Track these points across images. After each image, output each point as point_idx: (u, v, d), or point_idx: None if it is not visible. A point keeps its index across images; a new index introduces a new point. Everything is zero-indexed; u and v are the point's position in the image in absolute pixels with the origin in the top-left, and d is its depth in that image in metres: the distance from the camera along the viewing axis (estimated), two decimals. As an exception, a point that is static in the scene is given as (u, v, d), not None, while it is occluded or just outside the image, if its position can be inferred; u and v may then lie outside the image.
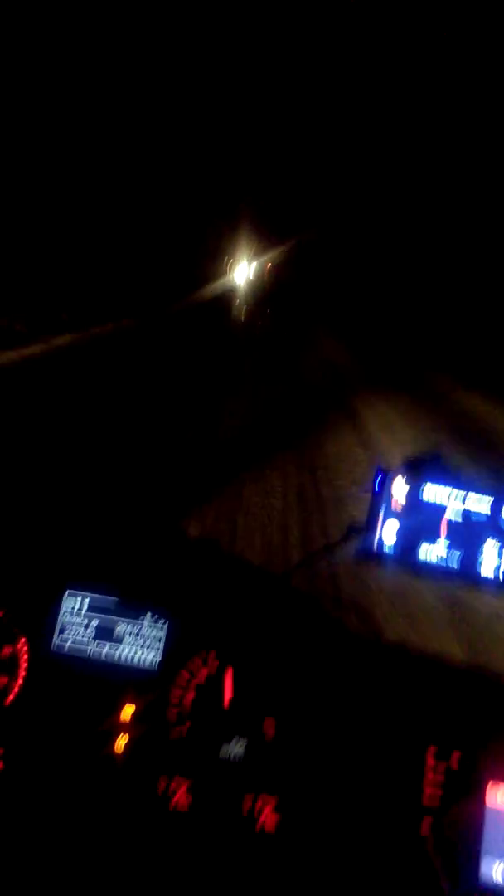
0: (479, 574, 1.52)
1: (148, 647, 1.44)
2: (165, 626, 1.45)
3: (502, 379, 13.48)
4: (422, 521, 1.54)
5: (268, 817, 1.32)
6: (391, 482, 1.55)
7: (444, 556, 1.52)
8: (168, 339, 14.41)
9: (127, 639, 1.45)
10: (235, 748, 1.37)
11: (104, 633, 1.45)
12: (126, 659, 1.44)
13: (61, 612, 1.46)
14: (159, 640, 1.44)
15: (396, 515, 1.54)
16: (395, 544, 1.54)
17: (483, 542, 1.52)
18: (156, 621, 1.45)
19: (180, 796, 1.33)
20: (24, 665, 1.42)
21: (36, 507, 1.62)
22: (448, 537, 1.53)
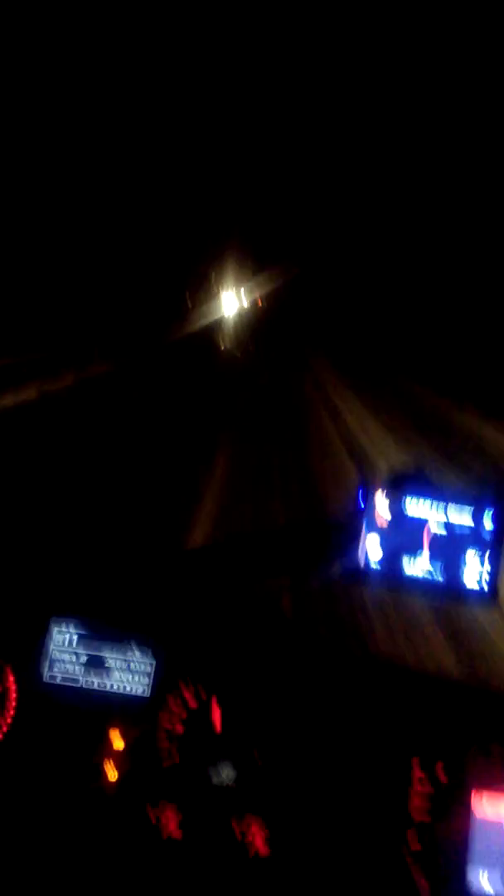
0: (462, 585, 1.53)
1: (137, 678, 1.44)
2: (153, 656, 1.44)
3: (486, 391, 13.65)
4: (405, 534, 1.55)
5: (259, 840, 1.31)
6: (374, 497, 1.57)
7: (428, 568, 1.54)
8: (154, 371, 14.47)
9: (116, 669, 1.44)
10: (226, 773, 1.37)
11: (93, 665, 1.45)
12: (115, 689, 1.43)
13: (50, 644, 1.45)
14: (148, 671, 1.44)
15: (380, 530, 1.56)
16: (380, 559, 1.55)
17: (465, 552, 1.53)
18: (144, 652, 1.45)
19: (173, 824, 1.32)
20: (13, 700, 1.41)
21: (22, 541, 1.62)
22: (431, 549, 1.54)
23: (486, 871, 1.27)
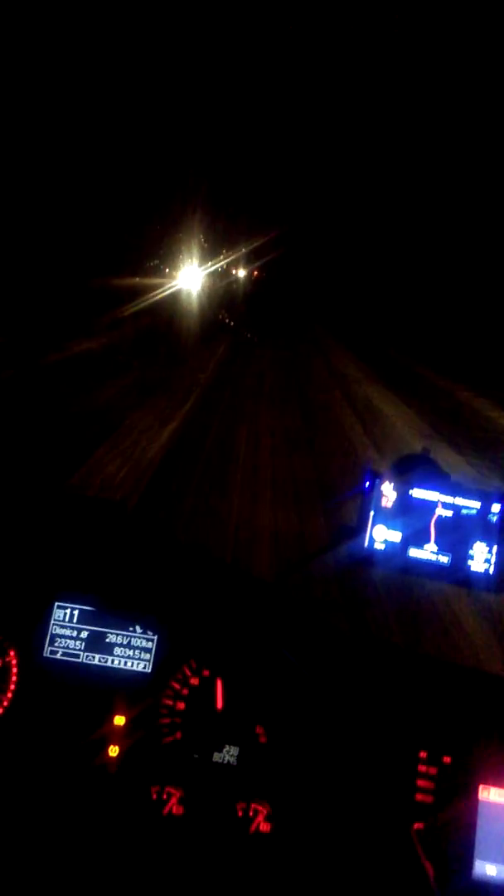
0: (469, 573, 1.52)
1: (138, 654, 1.43)
2: (155, 636, 1.44)
3: (496, 377, 13.57)
4: (412, 520, 1.54)
5: (261, 818, 1.31)
6: (381, 483, 1.55)
7: (435, 555, 1.53)
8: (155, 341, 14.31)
9: (117, 646, 1.44)
10: (228, 754, 1.37)
11: (95, 643, 1.44)
12: (116, 665, 1.43)
13: (51, 622, 1.44)
14: (149, 647, 1.43)
15: (386, 516, 1.54)
16: (386, 545, 1.54)
17: (473, 540, 1.52)
18: (145, 628, 1.44)
19: (174, 800, 1.32)
20: (14, 677, 1.40)
21: (24, 519, 1.61)
22: (438, 536, 1.53)
23: (490, 858, 1.27)
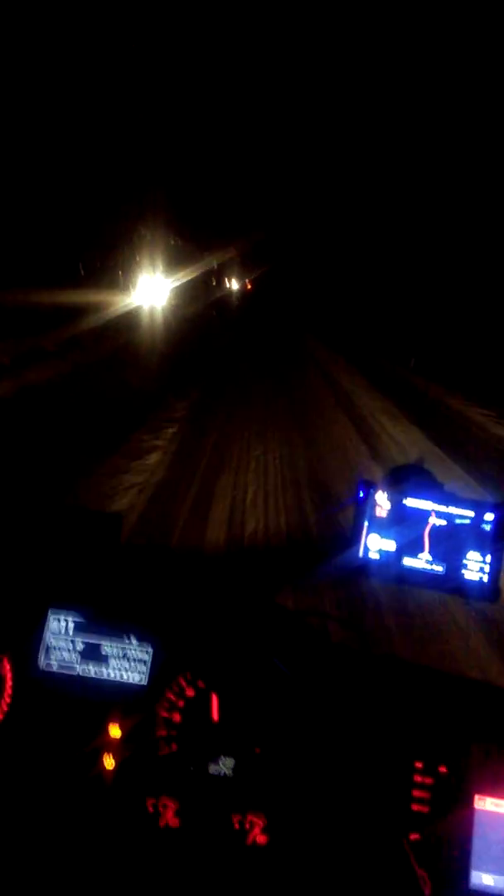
0: (463, 582, 1.53)
1: (134, 666, 1.43)
2: (151, 644, 1.44)
3: (492, 388, 13.63)
4: (406, 530, 1.55)
5: (257, 830, 1.31)
6: (375, 492, 1.56)
7: (429, 564, 1.53)
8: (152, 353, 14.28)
9: (113, 658, 1.44)
10: (224, 766, 1.36)
11: (90, 654, 1.44)
12: (112, 677, 1.43)
13: (46, 632, 1.44)
14: (145, 659, 1.43)
15: (380, 525, 1.55)
16: (380, 554, 1.54)
17: (467, 549, 1.53)
18: (140, 643, 1.44)
19: (170, 813, 1.32)
20: (8, 688, 1.40)
21: (18, 529, 1.61)
22: (432, 545, 1.54)
23: (487, 868, 1.27)
